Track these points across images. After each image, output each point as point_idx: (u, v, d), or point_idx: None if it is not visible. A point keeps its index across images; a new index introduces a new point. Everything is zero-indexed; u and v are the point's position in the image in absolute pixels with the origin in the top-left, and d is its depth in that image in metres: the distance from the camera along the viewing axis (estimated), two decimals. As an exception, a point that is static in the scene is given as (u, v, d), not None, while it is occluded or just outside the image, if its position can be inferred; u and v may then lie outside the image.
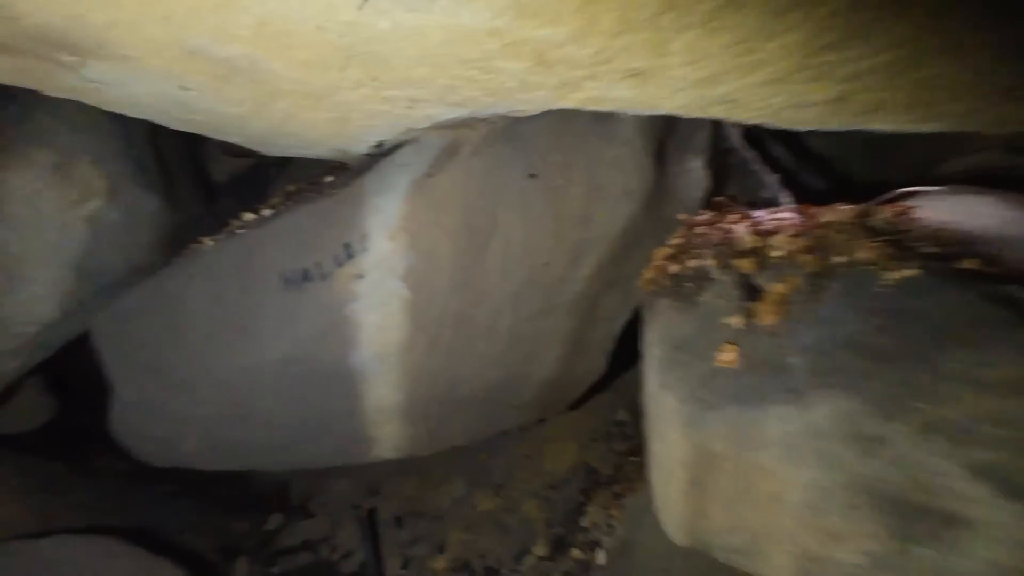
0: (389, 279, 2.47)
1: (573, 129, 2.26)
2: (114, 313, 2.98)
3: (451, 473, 5.10)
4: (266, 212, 2.80)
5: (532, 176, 2.32)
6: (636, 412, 2.79)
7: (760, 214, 1.90)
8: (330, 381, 2.81)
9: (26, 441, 4.50)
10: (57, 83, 2.15)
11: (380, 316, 2.60)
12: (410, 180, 2.45)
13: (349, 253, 2.42)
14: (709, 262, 1.77)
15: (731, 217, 1.94)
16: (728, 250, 1.75)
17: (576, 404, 4.06)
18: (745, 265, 1.70)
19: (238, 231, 2.75)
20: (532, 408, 3.79)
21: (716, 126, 2.39)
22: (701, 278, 1.76)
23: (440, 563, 4.13)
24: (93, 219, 3.01)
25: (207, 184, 4.50)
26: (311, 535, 4.56)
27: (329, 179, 2.85)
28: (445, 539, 4.32)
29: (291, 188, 3.01)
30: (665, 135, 2.37)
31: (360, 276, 2.43)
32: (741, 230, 1.81)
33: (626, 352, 3.11)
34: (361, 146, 2.77)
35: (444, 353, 3.00)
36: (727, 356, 1.57)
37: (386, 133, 2.63)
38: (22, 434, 4.52)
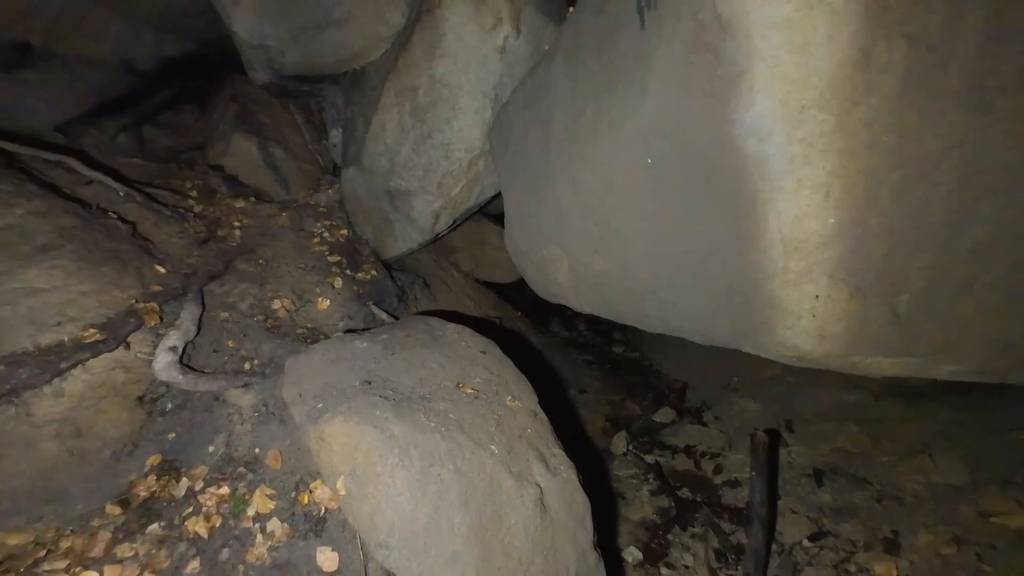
0: None
1: None
2: (500, 121, 3.03)
3: (931, 442, 2.96)
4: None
5: None
6: None
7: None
8: (706, 172, 1.78)
9: (502, 288, 5.85)
10: None
11: (784, 7, 1.31)
12: None
13: None
14: None
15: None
16: None
17: None
18: None
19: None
20: None
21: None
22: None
23: (886, 568, 2.41)
24: (505, 50, 3.16)
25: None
26: (696, 443, 3.76)
27: None
28: (901, 536, 2.50)
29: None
30: None
31: None
32: None
33: None
34: None
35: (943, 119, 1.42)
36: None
37: None
38: (501, 284, 5.90)
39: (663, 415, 4.25)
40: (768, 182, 1.67)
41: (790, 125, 1.54)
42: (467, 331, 2.93)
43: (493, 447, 2.17)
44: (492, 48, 3.10)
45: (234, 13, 3.20)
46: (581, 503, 2.25)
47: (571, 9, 2.39)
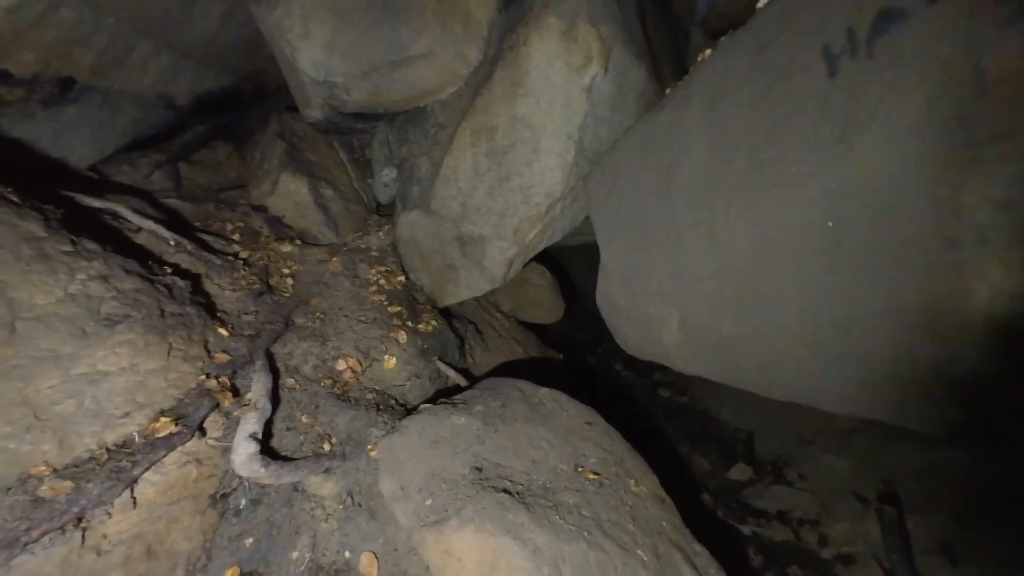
0: None
1: None
2: (603, 167, 2.80)
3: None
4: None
5: None
6: None
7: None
8: (903, 239, 1.54)
9: (541, 327, 5.55)
10: None
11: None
12: None
13: None
14: None
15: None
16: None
17: None
18: None
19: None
20: None
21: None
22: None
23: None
24: (591, 90, 2.95)
25: (684, 66, 3.99)
26: (787, 508, 3.43)
27: None
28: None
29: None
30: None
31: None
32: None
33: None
34: None
35: None
36: None
37: None
38: (543, 325, 5.60)
39: (738, 472, 3.93)
40: (989, 252, 1.44)
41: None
42: (563, 397, 2.62)
43: (640, 552, 1.83)
44: (579, 88, 2.89)
45: (301, 48, 2.96)
46: (738, 616, 1.92)
47: (707, 52, 2.17)
